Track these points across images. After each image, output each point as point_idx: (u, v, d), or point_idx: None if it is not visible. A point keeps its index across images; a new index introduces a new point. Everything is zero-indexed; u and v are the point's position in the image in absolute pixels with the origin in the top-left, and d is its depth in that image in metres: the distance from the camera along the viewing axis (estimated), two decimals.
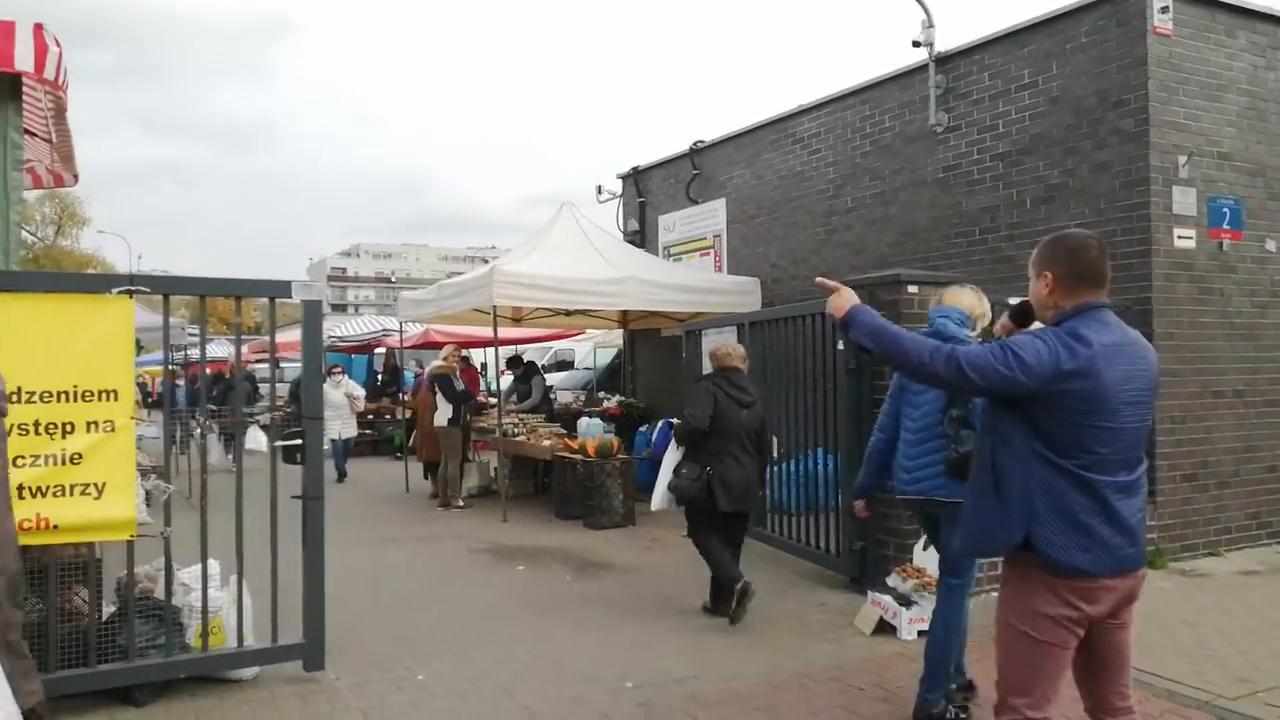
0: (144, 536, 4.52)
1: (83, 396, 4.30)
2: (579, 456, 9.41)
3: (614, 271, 10.26)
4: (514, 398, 12.63)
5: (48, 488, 4.20)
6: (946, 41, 9.04)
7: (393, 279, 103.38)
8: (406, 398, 14.60)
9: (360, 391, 13.22)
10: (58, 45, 4.42)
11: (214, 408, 15.19)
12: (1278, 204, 7.95)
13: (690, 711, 4.42)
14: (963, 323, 4.35)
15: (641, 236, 13.78)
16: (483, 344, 14.24)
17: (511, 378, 13.08)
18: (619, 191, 14.41)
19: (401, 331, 13.44)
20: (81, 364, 4.31)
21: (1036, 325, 2.95)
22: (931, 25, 9.01)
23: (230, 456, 14.25)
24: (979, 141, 8.75)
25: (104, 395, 4.34)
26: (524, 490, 11.20)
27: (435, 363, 11.24)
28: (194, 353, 21.17)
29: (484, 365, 17.00)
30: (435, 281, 12.48)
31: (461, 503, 10.51)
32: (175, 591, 4.70)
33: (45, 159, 6.00)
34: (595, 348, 18.12)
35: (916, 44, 9.09)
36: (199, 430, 4.99)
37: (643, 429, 11.54)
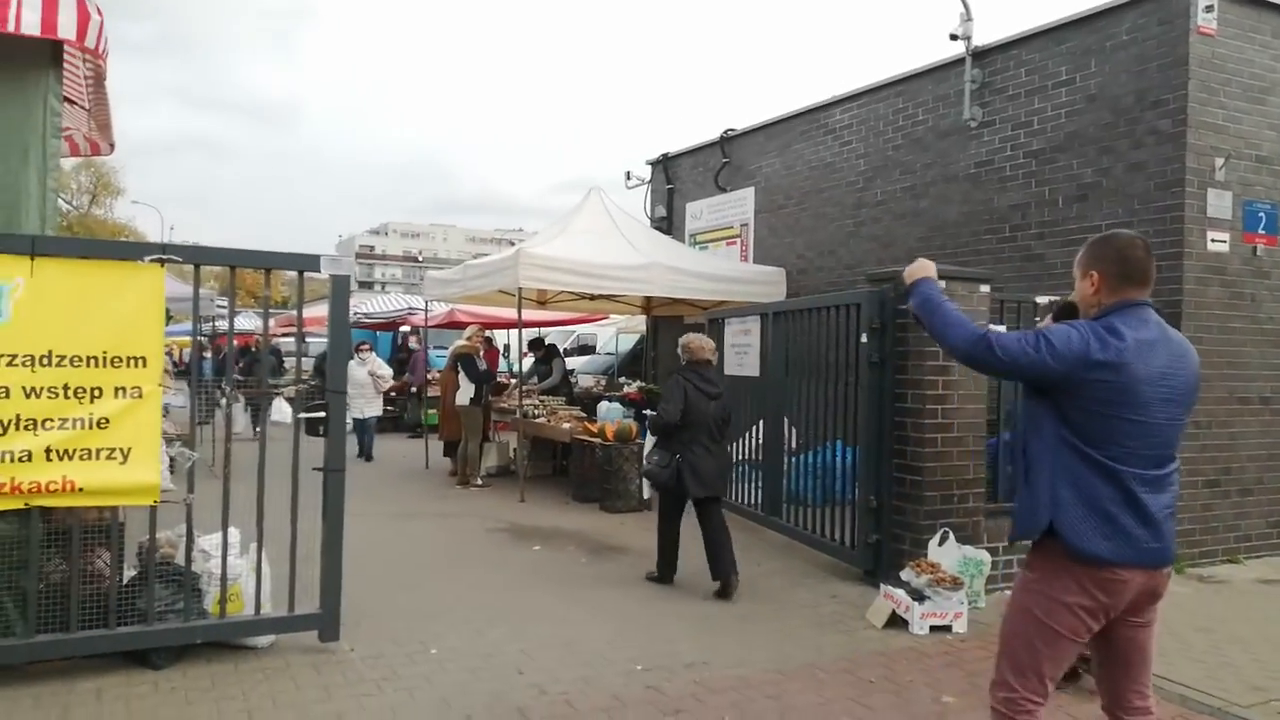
0: (167, 503, 4.59)
1: (112, 362, 4.37)
2: (597, 440, 9.44)
3: (640, 258, 10.25)
4: (534, 379, 12.70)
5: (74, 450, 4.28)
6: (984, 36, 8.95)
7: (420, 258, 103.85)
8: (432, 376, 14.63)
9: (386, 370, 13.06)
10: (99, 14, 4.47)
11: (240, 379, 15.38)
12: None
13: (699, 697, 4.44)
14: None
15: (669, 223, 13.77)
16: (507, 325, 14.30)
17: (532, 359, 13.14)
18: (648, 178, 14.39)
19: (427, 310, 13.48)
20: (112, 330, 4.38)
21: None
22: (970, 19, 8.92)
23: (256, 427, 14.46)
24: (1013, 138, 8.66)
25: (133, 362, 4.41)
26: (542, 471, 11.25)
27: (459, 342, 11.28)
28: (222, 324, 21.41)
29: (506, 346, 17.07)
30: (462, 262, 12.54)
31: (480, 482, 10.58)
32: (195, 558, 4.77)
33: (83, 127, 6.08)
34: (618, 333, 18.15)
35: (954, 37, 9.00)
36: (224, 400, 5.07)
37: None
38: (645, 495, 6.52)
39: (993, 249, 8.75)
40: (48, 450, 4.23)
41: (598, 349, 20.11)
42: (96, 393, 4.32)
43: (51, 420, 4.23)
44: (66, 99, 5.06)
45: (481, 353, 11.07)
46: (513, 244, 14.33)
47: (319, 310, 20.23)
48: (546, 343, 13.91)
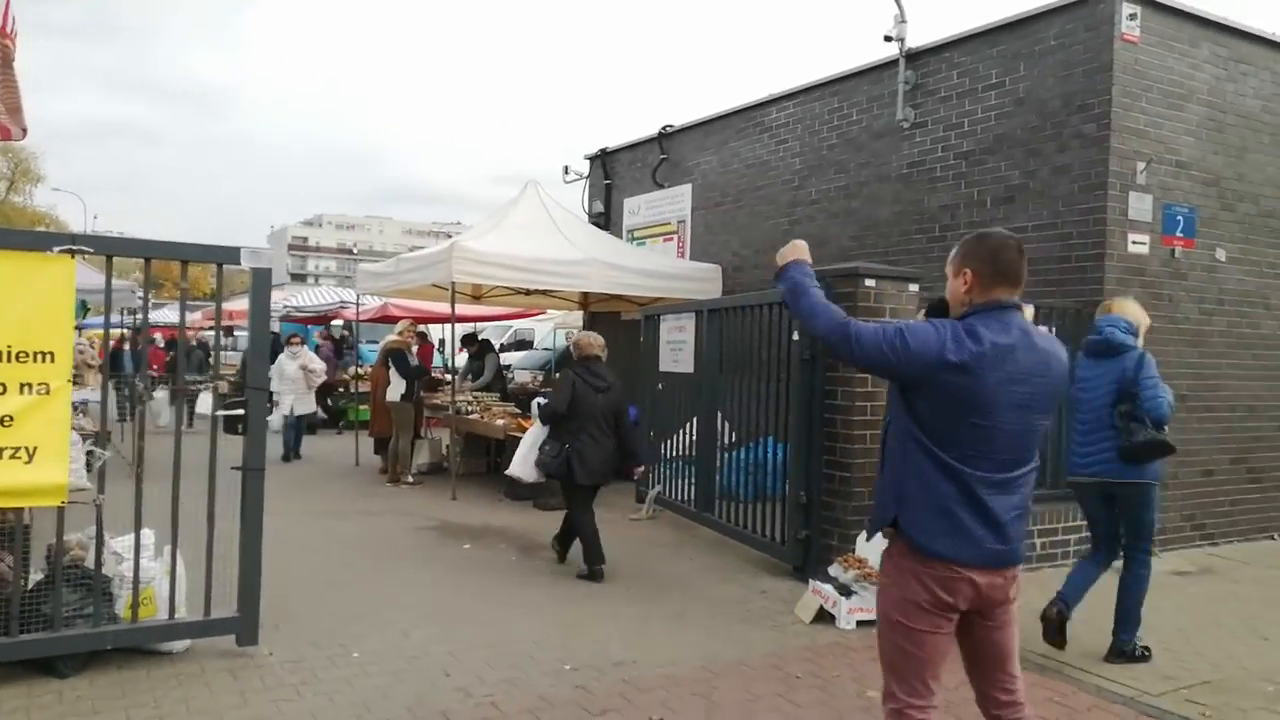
0: (76, 503, 4.42)
1: (17, 357, 4.18)
2: None
3: (576, 253, 10.19)
4: (468, 375, 12.56)
5: None
6: (917, 38, 9.07)
7: (354, 250, 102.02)
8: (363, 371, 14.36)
9: (319, 365, 12.49)
10: None
11: (155, 374, 14.92)
12: (1230, 214, 8.08)
13: (627, 696, 4.42)
14: (1129, 330, 4.99)
15: (606, 219, 13.72)
16: (441, 320, 14.09)
17: (466, 355, 12.98)
18: (586, 173, 14.32)
19: (358, 304, 13.23)
20: (17, 324, 4.19)
21: None
22: (904, 21, 9.03)
23: (183, 423, 14.03)
24: (944, 139, 8.80)
25: (40, 357, 4.23)
26: (475, 469, 11.12)
27: (390, 337, 11.09)
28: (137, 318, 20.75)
29: (442, 342, 16.85)
30: (397, 255, 12.32)
31: (411, 479, 10.42)
32: (106, 560, 4.60)
33: None
34: (556, 328, 18.05)
35: (888, 39, 9.10)
36: (140, 397, 4.89)
37: None
38: (512, 473, 7.33)
39: (923, 248, 8.88)
40: None
41: (535, 344, 19.98)
42: (0, 389, 4.13)
43: None
44: None
45: (414, 348, 10.90)
46: (450, 237, 14.12)
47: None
48: (480, 338, 13.73)
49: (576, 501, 6.76)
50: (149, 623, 4.67)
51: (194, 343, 18.79)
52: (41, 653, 4.34)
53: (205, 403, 11.89)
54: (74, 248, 4.36)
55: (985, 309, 2.75)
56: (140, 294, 12.47)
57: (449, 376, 12.07)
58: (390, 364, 10.42)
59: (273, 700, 4.24)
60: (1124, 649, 4.99)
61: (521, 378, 15.69)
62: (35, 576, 4.59)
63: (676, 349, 8.77)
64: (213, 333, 18.08)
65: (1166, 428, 4.84)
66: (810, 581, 5.85)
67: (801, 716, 4.26)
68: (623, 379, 12.15)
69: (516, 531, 8.09)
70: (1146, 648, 5.04)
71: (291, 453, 12.02)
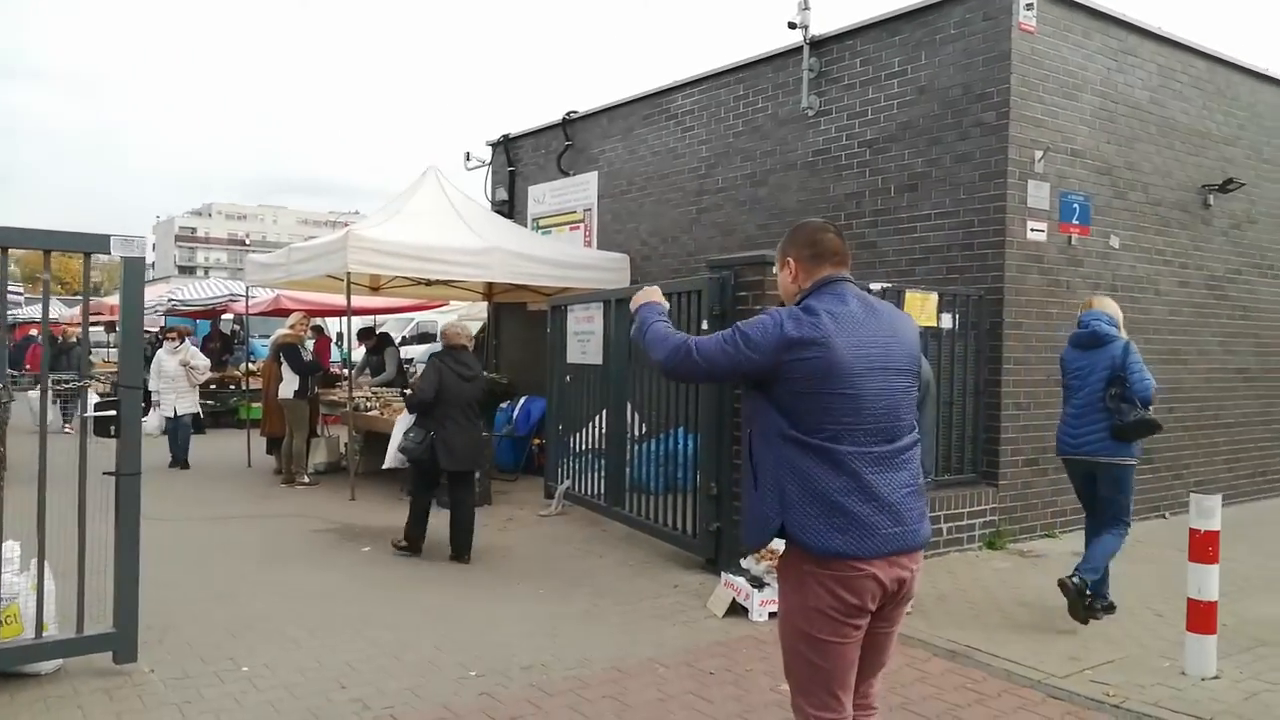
0: None
1: None
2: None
3: (479, 242, 9.90)
4: (367, 371, 12.10)
5: None
6: (821, 25, 9.06)
7: (247, 241, 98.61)
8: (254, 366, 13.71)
9: (202, 361, 11.63)
10: None
11: (26, 373, 13.99)
12: (1122, 202, 8.31)
13: (536, 701, 4.24)
14: (1111, 323, 5.56)
15: (510, 207, 13.41)
16: (337, 313, 13.57)
17: (364, 350, 12.50)
18: (488, 159, 13.97)
19: (248, 297, 12.60)
20: None
21: None
22: (807, 7, 9.00)
23: (65, 423, 13.15)
24: (848, 127, 8.81)
25: None
26: (375, 467, 10.63)
27: (281, 331, 10.58)
28: (22, 312, 19.48)
29: (340, 335, 16.27)
30: (291, 245, 11.77)
31: (307, 479, 9.98)
32: None
33: None
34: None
35: (792, 25, 9.06)
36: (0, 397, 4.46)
37: (504, 406, 11.24)
38: (388, 465, 7.80)
39: None
40: None
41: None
42: None
43: None
44: None
45: (311, 342, 10.44)
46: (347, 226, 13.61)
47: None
48: (378, 331, 13.24)
49: (426, 487, 6.91)
50: (12, 643, 4.30)
51: (74, 339, 17.72)
52: None
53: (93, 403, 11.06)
54: None
55: (815, 289, 2.71)
56: (12, 287, 11.63)
57: (347, 372, 11.61)
58: (282, 359, 9.95)
59: None
60: (1073, 584, 5.25)
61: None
62: None
63: (584, 340, 8.59)
64: (93, 328, 17.19)
65: (1152, 407, 5.39)
66: (722, 574, 5.76)
67: (715, 714, 4.15)
68: (529, 371, 12.02)
69: None
70: (1111, 605, 5.53)
71: (180, 461, 10.99)
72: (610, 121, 11.80)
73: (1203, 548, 4.51)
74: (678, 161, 10.73)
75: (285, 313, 13.57)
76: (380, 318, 17.37)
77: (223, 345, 17.77)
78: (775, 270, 2.86)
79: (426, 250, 9.35)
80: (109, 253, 4.61)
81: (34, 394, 12.41)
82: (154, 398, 10.76)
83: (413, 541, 6.89)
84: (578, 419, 8.74)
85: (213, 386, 15.98)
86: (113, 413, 4.57)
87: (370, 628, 5.21)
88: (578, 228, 12.28)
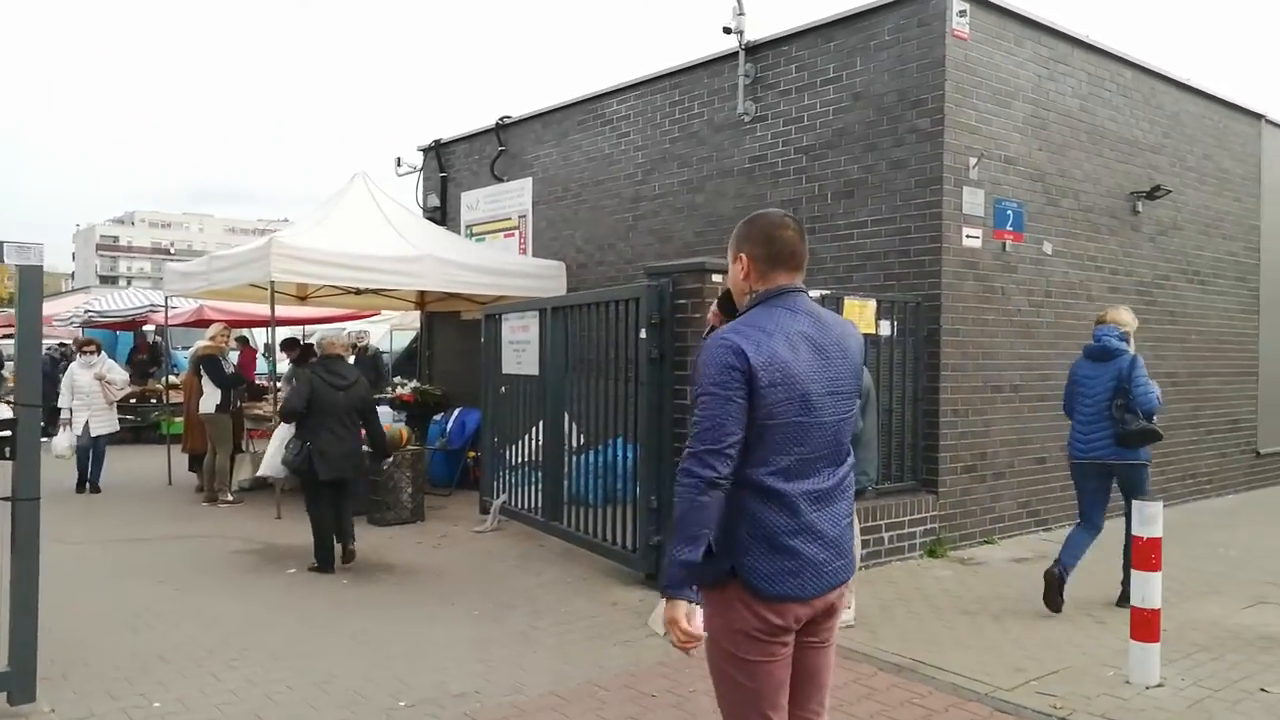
0: None
1: None
2: (364, 447, 8.73)
3: (410, 249, 9.62)
4: (292, 382, 11.68)
5: None
6: (757, 31, 8.99)
7: (172, 250, 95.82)
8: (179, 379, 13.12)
9: (120, 375, 10.83)
10: None
11: None
12: (1055, 209, 8.38)
13: None
14: (1121, 337, 5.91)
15: (442, 213, 13.11)
16: (262, 324, 13.09)
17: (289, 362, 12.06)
18: (420, 165, 13.65)
19: (167, 307, 12.07)
20: None
21: None
22: (742, 13, 8.93)
23: None
24: (784, 133, 8.75)
25: None
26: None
27: (201, 342, 10.13)
28: None
29: (268, 346, 15.77)
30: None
31: (230, 497, 9.56)
32: None
33: None
34: (392, 330, 17.24)
35: (727, 30, 8.98)
36: None
37: (438, 418, 10.95)
38: (262, 473, 7.86)
39: None
40: None
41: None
42: None
43: None
44: None
45: (235, 354, 10.02)
46: None
47: (55, 306, 17.93)
48: (304, 343, 12.79)
49: (317, 498, 6.85)
50: None
51: None
52: None
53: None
54: None
55: (767, 298, 2.51)
56: None
57: (275, 384, 11.19)
58: (202, 372, 9.54)
59: None
60: (1056, 573, 5.78)
61: None
62: None
63: (520, 349, 8.37)
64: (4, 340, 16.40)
65: (1155, 418, 5.81)
66: None
67: None
68: (463, 382, 11.73)
69: None
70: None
71: (88, 483, 10.15)
72: (544, 127, 11.60)
73: (1145, 555, 4.48)
74: (613, 168, 10.58)
75: (209, 324, 13.06)
76: (310, 328, 16.89)
77: (151, 358, 17.09)
78: (728, 260, 2.63)
79: (355, 258, 9.04)
80: (1, 261, 4.30)
81: None
82: (63, 415, 10.10)
83: (322, 557, 6.82)
84: (514, 431, 8.51)
85: (133, 401, 15.38)
86: (7, 433, 4.24)
87: (293, 656, 4.93)
88: (512, 235, 12.05)
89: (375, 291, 11.45)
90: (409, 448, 8.81)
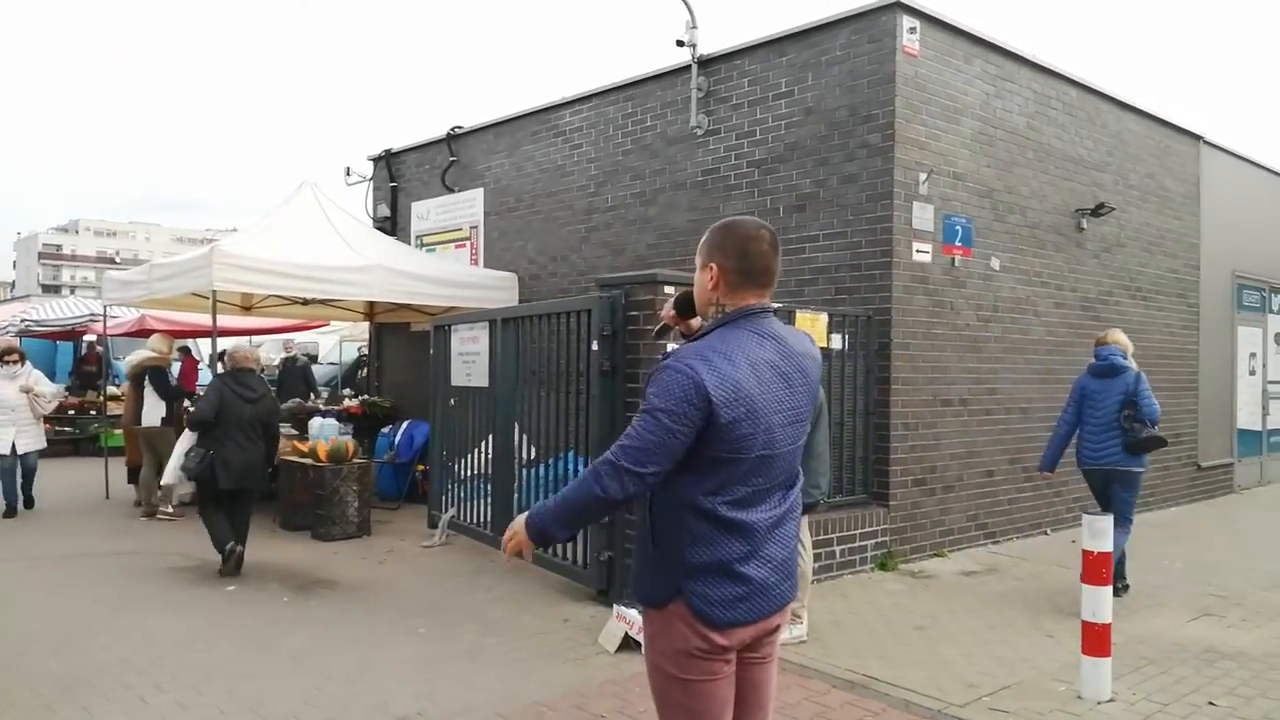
0: None
1: None
2: (309, 461, 8.54)
3: (359, 259, 9.44)
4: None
5: None
6: (710, 44, 9.01)
7: (117, 260, 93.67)
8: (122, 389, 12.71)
9: (50, 388, 9.90)
10: None
11: None
12: (1002, 225, 8.48)
13: None
14: (1124, 355, 6.61)
15: (393, 223, 12.93)
16: (206, 334, 12.78)
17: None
18: (369, 175, 13.46)
19: (106, 316, 11.72)
20: None
21: (696, 321, 2.69)
22: (695, 26, 8.94)
23: None
24: (737, 147, 8.75)
25: None
26: None
27: (143, 353, 9.82)
28: None
29: (212, 357, 15.40)
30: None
31: (171, 510, 9.26)
32: None
33: None
34: (341, 341, 16.95)
35: (680, 43, 8.98)
36: None
37: (386, 430, 10.76)
38: (167, 481, 7.58)
39: None
40: None
41: (319, 358, 18.71)
42: None
43: None
44: None
45: (177, 365, 9.72)
46: None
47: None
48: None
49: (210, 503, 7.01)
50: None
51: None
52: None
53: None
54: None
55: (733, 319, 2.41)
56: None
57: None
58: (147, 383, 9.25)
59: None
60: (1114, 588, 5.98)
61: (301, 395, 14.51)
62: None
63: (469, 361, 8.24)
64: None
65: (1158, 426, 6.46)
66: (614, 607, 5.50)
67: None
68: (412, 394, 11.54)
69: (291, 567, 7.29)
70: (1127, 585, 6.58)
71: (15, 505, 9.38)
72: (497, 137, 11.51)
73: (1096, 569, 4.50)
74: (566, 179, 10.51)
75: (150, 334, 12.72)
76: (256, 339, 16.54)
77: (99, 368, 16.57)
78: (697, 264, 2.54)
79: (301, 268, 8.84)
80: None
81: None
82: None
83: (225, 557, 6.96)
84: (463, 444, 8.37)
85: (71, 412, 14.92)
86: None
87: (228, 678, 4.75)
88: (464, 245, 11.91)
89: (323, 302, 11.23)
90: (356, 460, 8.61)
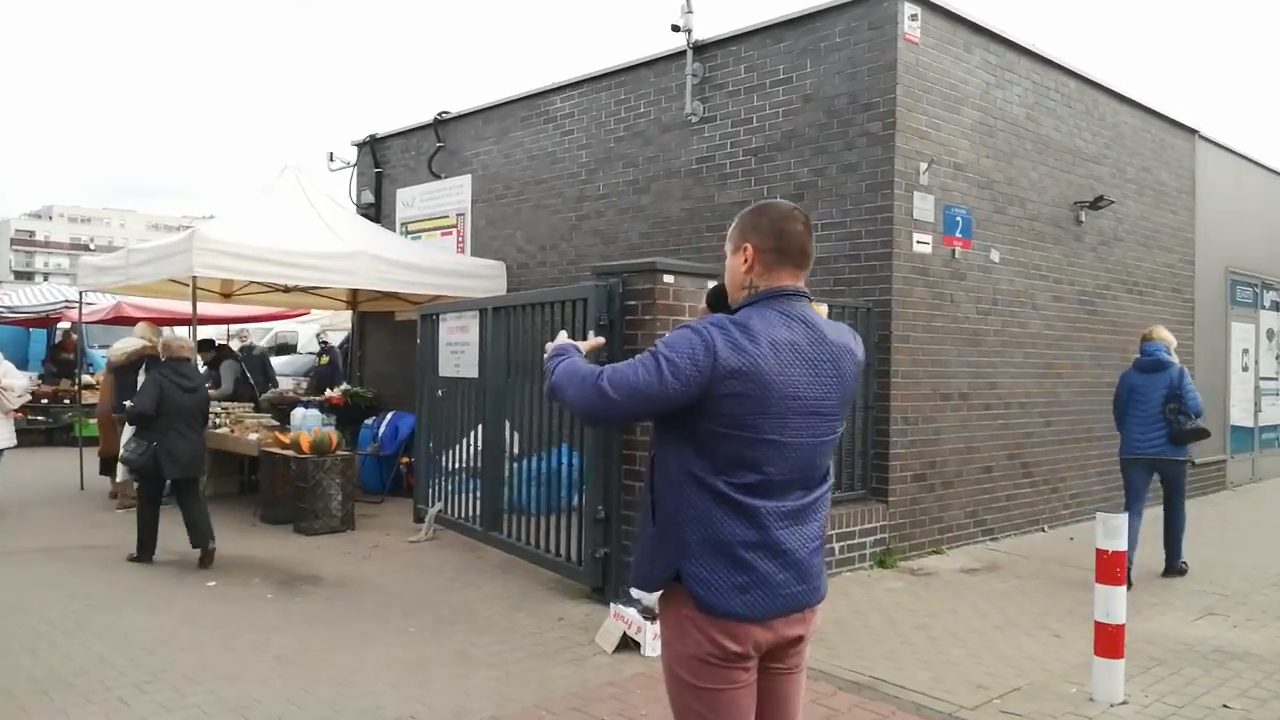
0: None
1: None
2: (291, 452, 8.31)
3: (342, 246, 9.21)
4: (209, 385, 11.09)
5: None
6: (705, 29, 8.81)
7: (92, 246, 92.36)
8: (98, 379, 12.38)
9: (18, 381, 9.09)
10: None
11: None
12: (1002, 216, 8.35)
13: None
14: (1169, 352, 6.99)
15: (377, 210, 12.66)
16: (184, 322, 12.49)
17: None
18: (353, 160, 13.19)
19: (81, 303, 11.42)
20: None
21: None
22: (691, 11, 8.74)
23: None
24: (733, 135, 8.58)
25: None
26: (227, 489, 9.84)
27: (134, 341, 9.39)
28: None
29: (204, 343, 15.05)
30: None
31: None
32: None
33: None
34: (323, 330, 16.65)
35: (676, 29, 8.78)
36: None
37: (369, 422, 10.53)
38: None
39: (714, 246, 8.60)
40: None
41: (299, 348, 18.38)
42: None
43: None
44: None
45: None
46: None
47: None
48: (218, 344, 12.17)
49: (153, 498, 7.01)
50: None
51: None
52: None
53: None
54: None
55: (765, 298, 2.30)
56: None
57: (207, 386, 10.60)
58: (143, 372, 8.96)
59: None
60: (1177, 568, 7.05)
61: (285, 384, 14.23)
62: None
63: (458, 351, 8.04)
64: None
65: (1201, 419, 6.82)
66: (612, 605, 5.33)
67: None
68: (396, 385, 11.31)
69: (274, 562, 7.07)
70: (1185, 563, 7.09)
71: None
72: (485, 123, 11.27)
73: (1110, 569, 4.37)
74: (557, 166, 10.30)
75: (128, 321, 12.40)
76: (236, 327, 16.23)
77: (75, 356, 16.18)
78: (726, 252, 2.42)
79: (283, 254, 8.60)
80: None
81: None
82: None
83: (144, 551, 6.98)
84: (451, 436, 8.17)
85: (44, 402, 14.57)
86: None
87: (211, 679, 4.55)
88: (450, 233, 11.68)
89: (305, 289, 10.98)
90: (339, 452, 8.39)
